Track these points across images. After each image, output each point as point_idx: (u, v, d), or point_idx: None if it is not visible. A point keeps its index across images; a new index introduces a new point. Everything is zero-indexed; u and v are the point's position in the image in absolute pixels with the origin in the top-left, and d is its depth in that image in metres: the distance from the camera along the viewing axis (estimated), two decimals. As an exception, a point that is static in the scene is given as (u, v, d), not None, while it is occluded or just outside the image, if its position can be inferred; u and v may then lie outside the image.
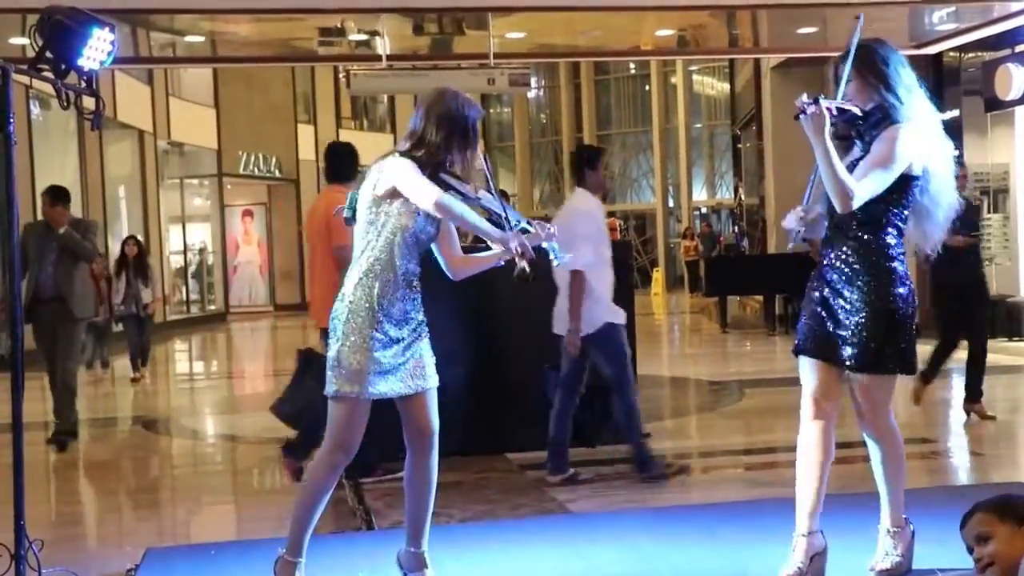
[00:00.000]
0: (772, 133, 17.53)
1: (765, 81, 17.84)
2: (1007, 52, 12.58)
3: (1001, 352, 12.17)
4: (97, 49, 4.30)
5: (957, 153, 12.57)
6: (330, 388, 3.87)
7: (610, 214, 30.69)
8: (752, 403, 9.59)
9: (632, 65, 34.09)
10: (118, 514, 6.61)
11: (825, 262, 4.02)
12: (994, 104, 12.92)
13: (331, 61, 16.40)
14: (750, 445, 8.12)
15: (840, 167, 3.76)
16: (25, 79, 4.20)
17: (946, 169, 4.03)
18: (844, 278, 3.95)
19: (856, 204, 3.77)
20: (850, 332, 3.95)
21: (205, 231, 24.99)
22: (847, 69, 3.87)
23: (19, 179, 3.94)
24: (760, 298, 18.21)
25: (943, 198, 4.01)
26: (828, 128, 3.73)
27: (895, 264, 3.92)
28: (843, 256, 3.95)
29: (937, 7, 11.43)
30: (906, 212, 3.96)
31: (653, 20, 12.08)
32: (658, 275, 29.75)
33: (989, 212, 13.37)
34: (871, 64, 3.92)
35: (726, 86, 27.20)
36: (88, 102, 4.48)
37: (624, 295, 7.67)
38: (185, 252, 23.83)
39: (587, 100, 35.44)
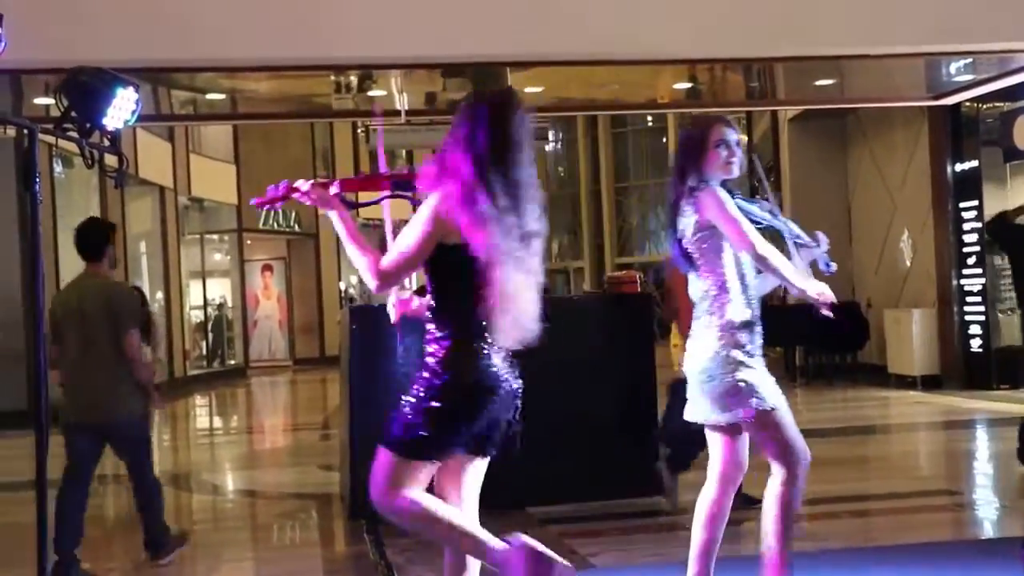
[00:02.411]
0: (790, 184, 17.55)
1: (783, 133, 17.91)
2: (1025, 103, 12.65)
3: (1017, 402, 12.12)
4: (121, 108, 4.33)
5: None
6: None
7: (628, 266, 30.81)
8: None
9: (649, 118, 34.30)
10: (138, 572, 6.57)
11: None
12: (1013, 154, 12.93)
13: (349, 117, 16.56)
14: None
15: None
16: (50, 139, 4.20)
17: None
18: None
19: None
20: None
21: (225, 286, 25.11)
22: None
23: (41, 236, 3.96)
24: (780, 349, 18.16)
25: None
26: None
27: None
28: None
29: (955, 58, 11.46)
30: None
31: (669, 74, 12.15)
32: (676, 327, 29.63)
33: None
34: None
35: (743, 138, 27.32)
36: (111, 160, 4.51)
37: (645, 347, 7.72)
38: (205, 307, 23.93)
39: (605, 152, 35.61)
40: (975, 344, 13.56)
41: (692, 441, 6.67)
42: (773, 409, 4.06)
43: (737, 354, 4.05)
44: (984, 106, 13.40)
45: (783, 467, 4.13)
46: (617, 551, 6.05)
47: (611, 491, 7.22)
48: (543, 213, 3.42)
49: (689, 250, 4.17)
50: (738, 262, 4.12)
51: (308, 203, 3.54)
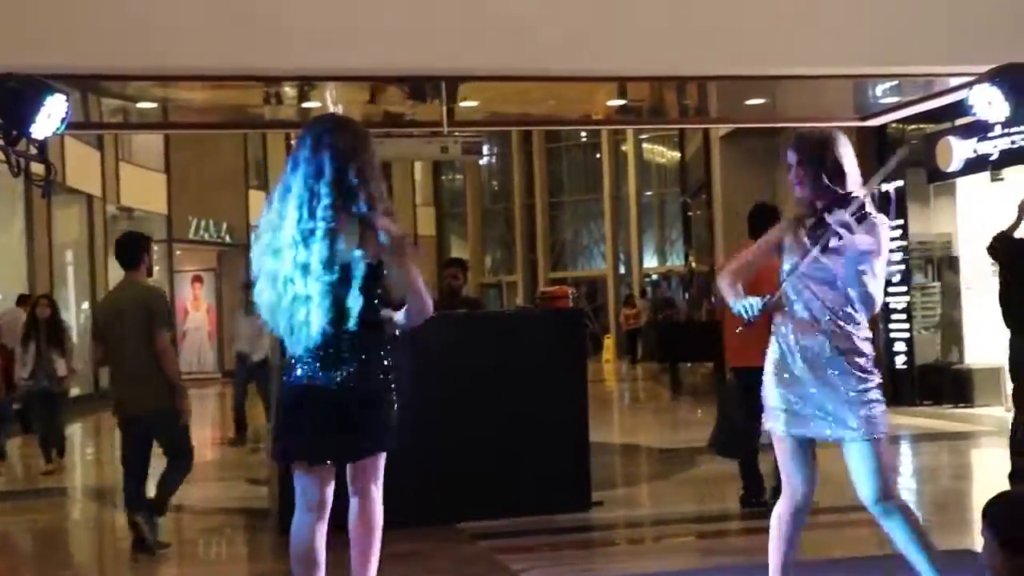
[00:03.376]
0: (722, 201, 17.78)
1: (714, 150, 18.14)
2: (948, 125, 12.92)
3: (947, 418, 12.36)
4: (50, 116, 4.29)
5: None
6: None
7: (561, 281, 30.98)
8: (704, 470, 9.61)
9: (583, 134, 34.57)
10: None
11: None
12: (936, 175, 13.23)
13: (283, 128, 16.47)
14: (702, 513, 8.14)
15: None
16: (-27, 145, 4.14)
17: None
18: None
19: None
20: None
21: (154, 297, 24.83)
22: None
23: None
24: (711, 364, 18.34)
25: None
26: None
27: None
28: None
29: (881, 80, 11.70)
30: None
31: (604, 90, 12.26)
32: (609, 342, 29.88)
33: (933, 281, 13.63)
34: None
35: (676, 155, 27.62)
36: (38, 168, 4.46)
37: (577, 362, 7.78)
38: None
39: (539, 168, 35.81)
40: (899, 361, 13.81)
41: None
42: None
43: None
44: (909, 127, 13.70)
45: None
46: (548, 567, 6.07)
47: (542, 506, 7.26)
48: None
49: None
50: None
51: None
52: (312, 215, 3.81)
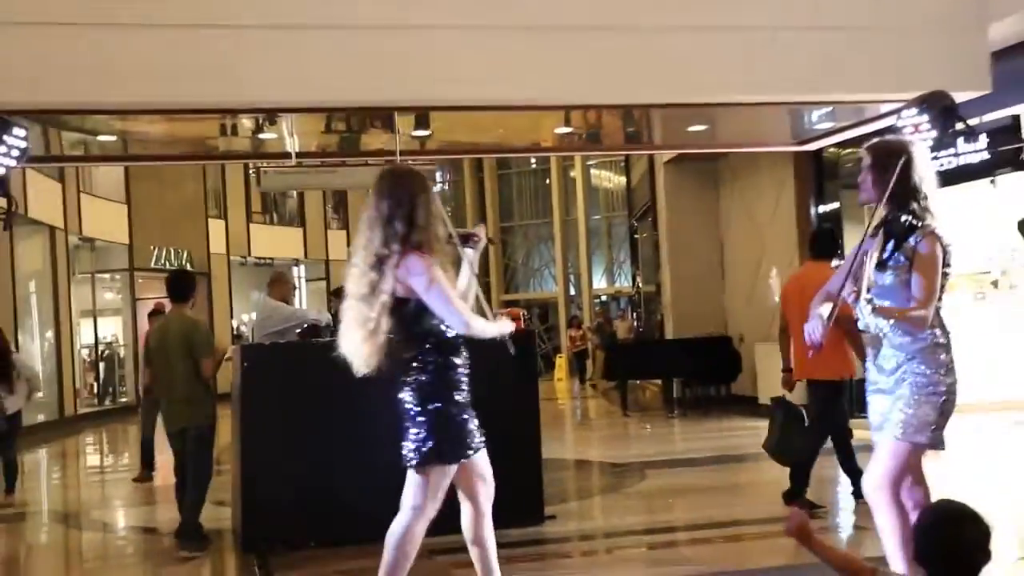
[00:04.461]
0: (666, 224, 18.11)
1: (659, 175, 18.38)
2: (881, 150, 13.34)
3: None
4: (9, 151, 4.45)
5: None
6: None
7: (513, 303, 31.28)
8: (653, 484, 9.79)
9: (533, 160, 34.95)
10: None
11: None
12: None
13: (241, 159, 16.67)
14: (652, 525, 8.25)
15: None
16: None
17: None
18: None
19: None
20: None
21: (117, 324, 24.93)
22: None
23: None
24: (659, 382, 18.70)
25: None
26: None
27: None
28: None
29: (815, 108, 12.14)
30: None
31: (552, 119, 12.52)
32: (561, 361, 30.10)
33: (867, 298, 14.05)
34: None
35: (623, 179, 27.99)
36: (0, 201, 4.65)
37: (529, 381, 7.88)
38: (96, 345, 23.73)
39: (490, 193, 36.22)
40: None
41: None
42: None
43: None
44: (844, 151, 14.03)
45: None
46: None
47: (497, 520, 7.38)
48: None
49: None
50: None
51: None
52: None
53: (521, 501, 7.42)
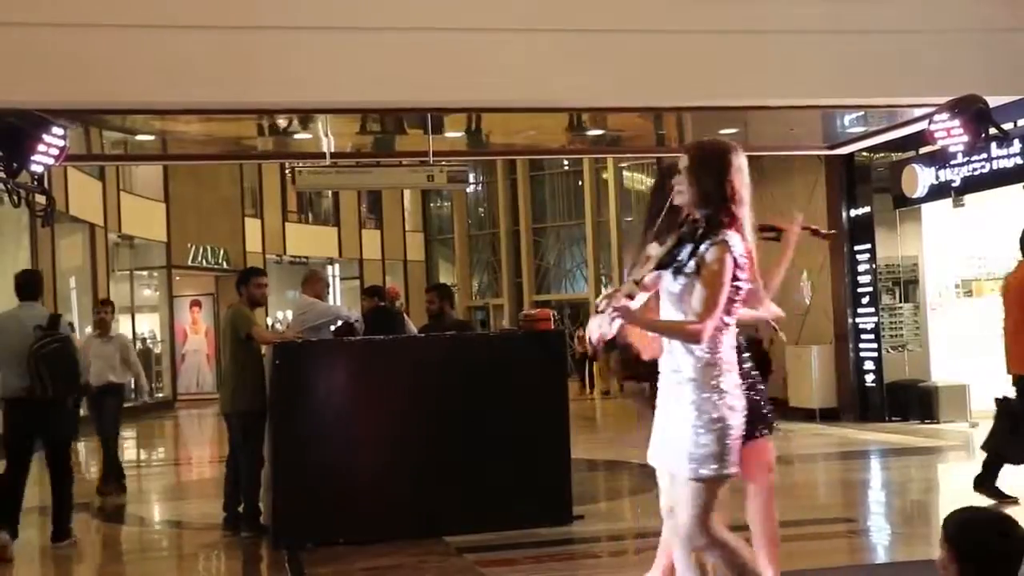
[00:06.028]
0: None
1: (691, 178, 18.41)
2: (912, 153, 13.24)
3: (914, 434, 12.73)
4: (48, 149, 4.53)
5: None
6: None
7: (545, 304, 31.26)
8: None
9: (565, 162, 34.96)
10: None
11: None
12: (902, 201, 13.57)
13: (277, 158, 16.83)
14: None
15: None
16: (-22, 178, 4.46)
17: None
18: None
19: None
20: None
21: (154, 321, 25.22)
22: None
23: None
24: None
25: None
26: None
27: None
28: None
29: (848, 112, 12.12)
30: None
31: (585, 120, 12.57)
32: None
33: (900, 302, 14.06)
34: None
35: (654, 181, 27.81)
36: (40, 198, 4.70)
37: (558, 380, 7.94)
38: (134, 341, 23.99)
39: (523, 195, 36.27)
40: (869, 379, 14.17)
41: None
42: None
43: None
44: (876, 156, 14.04)
45: None
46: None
47: (526, 520, 7.37)
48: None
49: None
50: None
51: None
52: None
53: (550, 501, 7.54)
